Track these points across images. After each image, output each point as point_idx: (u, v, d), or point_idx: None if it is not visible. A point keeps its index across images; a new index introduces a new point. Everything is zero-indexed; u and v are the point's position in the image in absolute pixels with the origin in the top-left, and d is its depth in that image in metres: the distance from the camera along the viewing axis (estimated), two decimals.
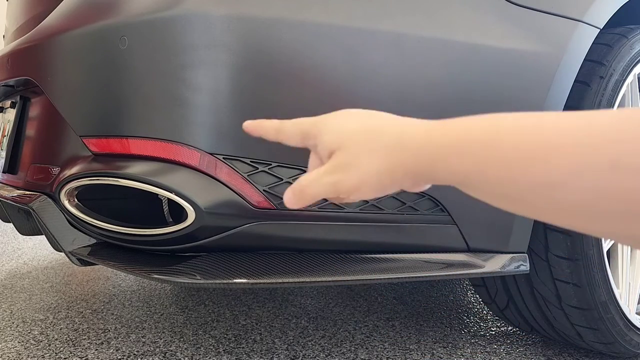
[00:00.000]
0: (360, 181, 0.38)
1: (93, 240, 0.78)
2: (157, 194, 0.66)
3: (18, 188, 0.88)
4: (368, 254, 0.77)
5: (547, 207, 0.31)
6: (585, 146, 0.28)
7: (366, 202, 0.73)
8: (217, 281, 0.67)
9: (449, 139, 0.35)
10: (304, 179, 0.40)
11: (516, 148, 0.31)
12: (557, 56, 0.82)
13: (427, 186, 0.40)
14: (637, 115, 0.28)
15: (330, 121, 0.41)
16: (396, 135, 0.37)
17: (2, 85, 0.96)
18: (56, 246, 0.80)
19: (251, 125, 0.46)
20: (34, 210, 0.77)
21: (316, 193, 0.39)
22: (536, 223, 0.87)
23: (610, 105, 0.91)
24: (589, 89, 0.89)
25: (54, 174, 0.77)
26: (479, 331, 1.11)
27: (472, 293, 1.45)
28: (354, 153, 0.38)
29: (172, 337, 1.04)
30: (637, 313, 0.99)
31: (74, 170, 0.72)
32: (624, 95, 0.99)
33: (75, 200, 0.74)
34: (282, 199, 0.68)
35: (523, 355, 0.99)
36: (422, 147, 0.36)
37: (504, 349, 1.02)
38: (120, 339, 1.02)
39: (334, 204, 0.72)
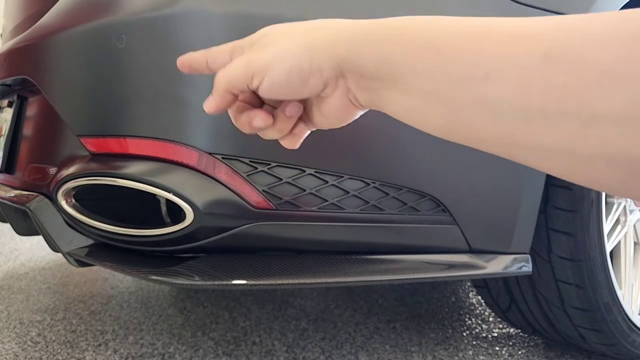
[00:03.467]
0: (274, 57, 0.34)
1: (91, 241, 0.77)
2: (155, 194, 0.66)
3: (15, 188, 0.87)
4: (368, 254, 0.77)
5: (472, 106, 0.29)
6: (519, 36, 0.27)
7: (367, 202, 0.73)
8: (216, 282, 0.66)
9: (378, 24, 0.34)
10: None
11: (447, 34, 0.30)
12: None
13: (360, 112, 0.37)
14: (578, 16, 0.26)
15: (267, 30, 0.37)
16: (319, 23, 0.35)
17: (0, 85, 0.95)
18: (53, 247, 0.79)
19: (181, 61, 0.42)
20: (31, 211, 0.76)
21: (229, 77, 0.36)
22: (539, 223, 0.87)
23: None
24: None
25: (51, 174, 0.76)
26: (481, 333, 1.10)
27: (474, 294, 1.44)
28: (275, 35, 0.35)
29: (170, 338, 1.03)
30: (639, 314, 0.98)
31: (72, 170, 0.71)
32: None
33: (73, 200, 0.73)
34: (281, 198, 0.68)
35: (525, 357, 0.98)
36: (347, 29, 0.34)
37: (506, 351, 1.01)
38: (118, 340, 1.01)
39: (334, 204, 0.71)
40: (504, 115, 0.27)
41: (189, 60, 0.41)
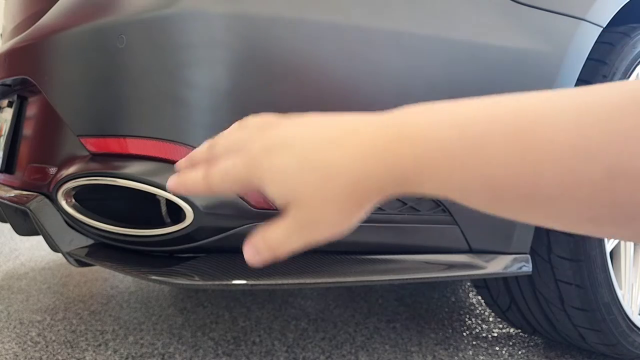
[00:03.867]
0: (332, 232, 0.33)
1: (91, 241, 0.77)
2: (155, 194, 0.66)
3: (15, 188, 0.87)
4: (368, 254, 0.76)
5: (539, 217, 0.28)
6: (579, 153, 0.25)
7: None
8: (216, 282, 0.66)
9: (420, 158, 0.30)
10: (271, 237, 0.33)
11: (505, 155, 0.27)
12: (560, 55, 0.82)
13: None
14: (629, 103, 0.25)
15: (267, 166, 0.32)
16: (356, 169, 0.31)
17: (0, 85, 0.95)
18: (53, 247, 0.79)
19: (175, 185, 0.37)
20: (31, 211, 0.76)
21: (291, 252, 0.34)
22: None
23: None
24: None
25: (51, 174, 0.76)
26: (481, 333, 1.10)
27: (474, 294, 1.44)
28: (312, 207, 0.32)
29: (170, 338, 1.03)
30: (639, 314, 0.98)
31: (72, 170, 0.71)
32: None
33: (73, 200, 0.73)
34: None
35: (525, 357, 0.98)
36: (390, 172, 0.30)
37: (506, 351, 1.01)
38: (118, 340, 1.01)
39: None
40: (576, 222, 0.28)
41: (182, 186, 0.37)
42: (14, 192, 0.86)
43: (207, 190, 0.35)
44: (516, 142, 0.27)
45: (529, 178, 0.27)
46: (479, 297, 1.39)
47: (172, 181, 0.37)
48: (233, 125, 0.38)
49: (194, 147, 0.65)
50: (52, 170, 0.76)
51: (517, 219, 0.29)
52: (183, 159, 0.40)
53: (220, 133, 0.37)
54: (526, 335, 1.10)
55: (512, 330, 1.13)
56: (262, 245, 0.34)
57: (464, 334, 1.09)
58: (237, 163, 0.34)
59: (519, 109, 0.28)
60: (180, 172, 0.37)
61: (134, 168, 0.67)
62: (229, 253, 0.71)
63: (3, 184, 0.93)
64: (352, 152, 0.31)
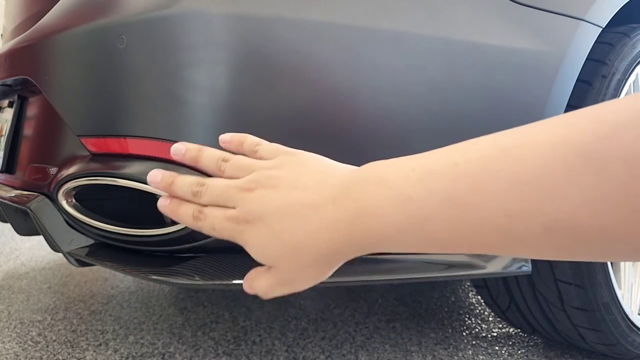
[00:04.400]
0: (306, 286, 0.41)
1: (91, 241, 0.77)
2: (156, 194, 0.66)
3: (15, 188, 0.88)
4: (368, 254, 0.77)
5: (492, 252, 0.33)
6: (515, 215, 0.29)
7: None
8: (216, 282, 0.66)
9: (376, 234, 0.36)
10: (258, 286, 0.41)
11: (448, 236, 0.33)
12: (559, 55, 0.82)
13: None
14: (559, 163, 0.27)
15: (247, 237, 0.40)
16: (321, 245, 0.37)
17: (0, 85, 0.95)
18: (54, 247, 0.79)
19: (165, 207, 0.44)
20: (31, 211, 0.77)
21: (269, 295, 0.41)
22: None
23: None
24: (591, 88, 0.88)
25: (52, 174, 0.76)
26: (481, 333, 1.10)
27: (473, 294, 1.44)
28: (289, 273, 0.39)
29: (170, 338, 1.03)
30: (639, 314, 0.98)
31: (72, 170, 0.71)
32: (626, 94, 0.98)
33: (73, 200, 0.73)
34: None
35: (525, 357, 0.98)
36: (350, 245, 0.37)
37: (505, 351, 1.01)
38: (118, 340, 1.01)
39: None
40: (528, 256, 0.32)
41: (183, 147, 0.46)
42: (14, 192, 0.86)
43: (196, 228, 0.42)
44: (454, 212, 0.31)
45: (470, 239, 0.31)
46: (479, 297, 1.39)
47: (163, 203, 0.44)
48: (219, 166, 0.44)
49: None
50: (53, 170, 0.76)
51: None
52: (167, 175, 0.44)
53: (207, 180, 0.43)
54: (526, 335, 1.10)
55: (511, 329, 1.13)
56: (250, 290, 0.42)
57: (464, 333, 1.10)
58: (223, 222, 0.41)
59: (457, 177, 0.32)
60: (172, 201, 0.44)
61: (135, 168, 0.67)
62: (229, 253, 0.71)
63: (3, 184, 0.93)
64: (316, 228, 0.37)
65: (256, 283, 0.41)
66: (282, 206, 0.39)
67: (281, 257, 0.39)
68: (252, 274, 0.42)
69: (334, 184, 0.39)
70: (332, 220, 0.37)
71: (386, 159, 0.76)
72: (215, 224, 0.41)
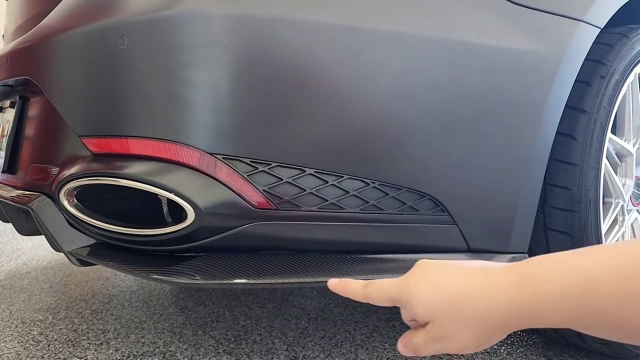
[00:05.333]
0: (461, 348, 0.42)
1: (92, 241, 0.77)
2: (157, 194, 0.66)
3: (17, 188, 0.88)
4: (368, 254, 0.77)
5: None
6: None
7: (366, 202, 0.73)
8: (217, 281, 0.67)
9: (539, 296, 0.37)
10: (414, 342, 0.44)
11: (610, 298, 0.34)
12: (558, 56, 0.82)
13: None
14: None
15: (416, 292, 0.43)
16: (481, 303, 0.40)
17: (2, 85, 0.96)
18: (55, 246, 0.79)
19: (336, 285, 0.49)
20: (33, 211, 0.77)
21: (425, 353, 0.44)
22: (537, 223, 0.87)
23: (611, 105, 0.90)
24: (590, 89, 0.89)
25: (53, 174, 0.77)
26: None
27: None
28: (446, 328, 0.42)
29: (171, 337, 1.04)
30: None
31: (73, 170, 0.72)
32: (624, 95, 0.99)
33: (75, 200, 0.74)
34: (282, 198, 0.68)
35: (524, 356, 0.99)
36: (511, 310, 0.39)
37: (504, 349, 1.01)
38: (119, 339, 1.02)
39: (334, 203, 0.72)
40: None
41: (343, 289, 0.49)
42: (16, 192, 0.86)
43: (363, 297, 0.47)
44: (614, 287, 0.34)
45: (632, 313, 0.34)
46: None
47: (333, 281, 0.49)
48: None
49: (196, 148, 0.65)
50: (54, 170, 0.77)
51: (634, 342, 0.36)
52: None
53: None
54: (524, 334, 1.11)
55: None
56: (408, 344, 0.45)
57: None
58: (392, 282, 0.45)
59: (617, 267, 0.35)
60: (342, 279, 0.49)
61: (136, 168, 0.67)
62: (230, 252, 0.72)
63: (5, 184, 0.94)
64: (478, 289, 0.40)
65: (412, 340, 0.44)
66: (450, 265, 0.43)
67: (442, 313, 0.41)
68: (408, 333, 0.45)
69: (500, 265, 0.43)
70: (498, 281, 0.40)
71: (385, 158, 0.77)
72: (384, 285, 0.46)
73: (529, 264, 0.40)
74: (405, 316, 0.47)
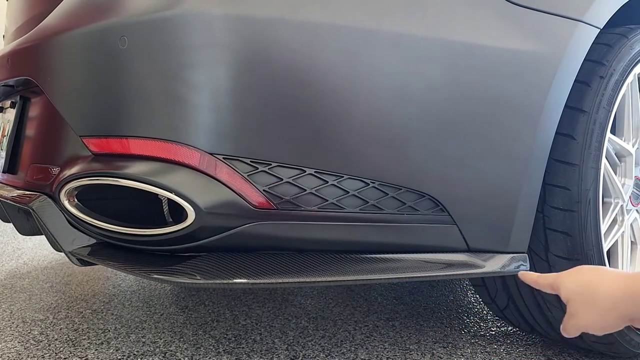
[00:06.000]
0: (586, 324, 0.55)
1: (93, 240, 0.78)
2: (157, 194, 0.66)
3: (18, 188, 0.88)
4: (368, 254, 0.77)
5: None
6: None
7: (366, 202, 0.73)
8: (217, 281, 0.67)
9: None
10: (563, 322, 0.59)
11: None
12: (557, 56, 0.82)
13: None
14: None
15: (565, 279, 0.59)
16: (603, 288, 0.54)
17: (2, 85, 0.96)
18: (56, 246, 0.80)
19: (521, 276, 0.66)
20: (33, 210, 0.77)
21: (570, 332, 0.58)
22: (536, 223, 0.87)
23: (610, 105, 0.91)
24: (589, 89, 0.89)
25: (54, 174, 0.77)
26: (479, 331, 1.11)
27: (472, 293, 1.45)
28: (577, 306, 0.56)
29: (172, 337, 1.04)
30: None
31: (74, 170, 0.72)
32: (624, 95, 0.99)
33: (75, 200, 0.74)
34: (282, 198, 0.69)
35: (523, 356, 0.99)
36: (621, 295, 0.52)
37: (504, 349, 1.02)
38: (120, 339, 1.02)
39: (334, 203, 0.72)
40: None
41: (529, 280, 0.65)
42: (16, 192, 0.87)
43: (534, 281, 0.64)
44: None
45: None
46: (477, 296, 1.40)
47: (522, 273, 0.67)
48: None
49: (196, 148, 0.66)
50: (55, 170, 0.77)
51: None
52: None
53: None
54: (524, 334, 1.11)
55: (510, 328, 1.14)
56: (561, 330, 0.60)
57: (462, 332, 1.10)
58: (554, 274, 0.62)
59: None
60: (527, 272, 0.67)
61: (136, 168, 0.67)
62: (230, 252, 0.72)
63: (6, 184, 0.94)
64: (606, 280, 0.55)
65: (564, 318, 0.59)
66: (597, 266, 0.60)
67: (575, 290, 0.56)
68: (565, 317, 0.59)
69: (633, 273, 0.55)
70: (623, 277, 0.54)
71: (385, 159, 0.78)
72: (548, 275, 0.62)
73: None
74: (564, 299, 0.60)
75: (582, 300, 0.56)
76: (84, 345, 0.99)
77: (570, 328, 0.57)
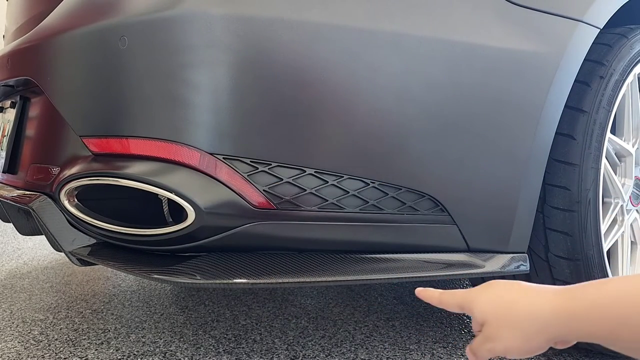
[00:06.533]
0: (506, 349, 0.48)
1: (93, 240, 0.78)
2: (157, 194, 0.66)
3: (18, 188, 0.88)
4: (368, 254, 0.77)
5: None
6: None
7: (366, 202, 0.74)
8: (217, 281, 0.67)
9: (575, 307, 0.44)
10: (473, 344, 0.52)
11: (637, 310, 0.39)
12: (557, 56, 0.82)
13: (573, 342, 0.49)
14: None
15: (476, 298, 0.51)
16: (526, 309, 0.47)
17: (2, 85, 0.96)
18: (56, 246, 0.80)
19: (419, 292, 0.57)
20: (33, 210, 0.77)
21: (482, 356, 0.51)
22: (536, 223, 0.87)
23: (610, 105, 0.91)
24: (589, 89, 0.89)
25: (54, 174, 0.77)
26: None
27: None
28: (496, 329, 0.49)
29: (172, 337, 1.04)
30: None
31: (74, 170, 0.72)
32: (624, 95, 0.99)
33: (75, 200, 0.74)
34: (282, 198, 0.69)
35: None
36: (549, 317, 0.45)
37: None
38: (120, 339, 1.02)
39: (334, 203, 0.72)
40: None
41: (424, 294, 0.57)
42: (17, 192, 0.87)
43: (437, 299, 0.55)
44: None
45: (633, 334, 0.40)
46: None
47: (418, 290, 0.57)
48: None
49: (196, 148, 0.66)
50: (55, 170, 0.77)
51: None
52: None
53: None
54: None
55: None
56: (467, 351, 0.53)
57: (462, 332, 1.10)
58: (461, 291, 0.54)
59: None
60: (424, 289, 0.58)
61: (136, 168, 0.67)
62: (230, 252, 0.72)
63: (6, 184, 0.94)
64: (527, 298, 0.48)
65: (472, 343, 0.52)
66: (512, 282, 0.51)
67: (493, 311, 0.49)
68: (474, 340, 0.53)
69: (550, 290, 0.48)
70: (546, 294, 0.47)
71: (385, 158, 0.78)
72: (454, 292, 0.54)
73: (576, 285, 0.46)
74: (474, 325, 0.53)
75: (503, 323, 0.48)
76: (84, 345, 0.99)
77: (483, 352, 0.50)
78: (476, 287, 0.53)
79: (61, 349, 0.97)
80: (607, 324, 0.41)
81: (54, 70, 0.76)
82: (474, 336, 0.53)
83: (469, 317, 1.21)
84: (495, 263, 0.82)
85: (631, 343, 0.40)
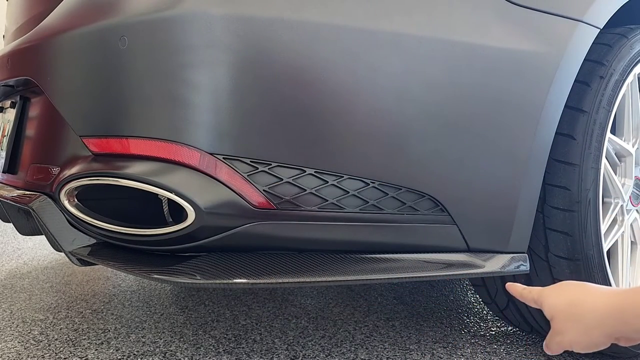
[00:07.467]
0: (570, 342, 0.54)
1: (93, 240, 0.78)
2: (157, 194, 0.66)
3: (18, 188, 0.88)
4: (368, 254, 0.77)
5: None
6: None
7: (366, 202, 0.74)
8: (217, 281, 0.67)
9: (630, 304, 0.50)
10: (546, 339, 0.58)
11: None
12: (557, 56, 0.82)
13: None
14: None
15: (548, 294, 0.58)
16: (589, 305, 0.53)
17: (2, 85, 0.96)
18: (56, 246, 0.80)
19: (509, 286, 0.65)
20: (33, 210, 0.77)
21: (553, 349, 0.57)
22: (536, 223, 0.87)
23: (610, 105, 0.91)
24: (589, 89, 0.89)
25: (54, 174, 0.77)
26: (479, 331, 1.11)
27: (472, 293, 1.45)
28: (562, 323, 0.55)
29: (172, 337, 1.04)
30: None
31: (74, 170, 0.72)
32: (624, 95, 0.99)
33: (75, 200, 0.74)
34: (282, 198, 0.69)
35: (523, 355, 0.99)
36: (607, 312, 0.51)
37: (504, 349, 1.02)
38: (120, 339, 1.02)
39: (334, 203, 0.72)
40: None
41: (513, 290, 0.64)
42: (17, 192, 0.87)
43: (519, 293, 0.63)
44: None
45: None
46: (477, 296, 1.40)
47: (508, 284, 0.66)
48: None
49: (196, 148, 0.66)
50: (55, 170, 0.77)
51: None
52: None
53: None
54: (524, 334, 1.11)
55: (510, 328, 1.14)
56: (544, 347, 0.59)
57: (462, 332, 1.10)
58: (538, 288, 0.61)
59: None
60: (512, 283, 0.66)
61: (136, 168, 0.67)
62: (230, 252, 0.72)
63: (6, 184, 0.94)
64: (591, 296, 0.54)
65: (546, 338, 0.58)
66: (581, 283, 0.58)
67: (559, 306, 0.56)
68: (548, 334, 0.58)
69: (615, 293, 0.54)
70: (609, 293, 0.53)
71: (385, 159, 0.78)
72: (533, 289, 0.61)
73: (636, 286, 0.55)
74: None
75: (567, 317, 0.55)
76: (84, 345, 0.99)
77: (554, 345, 0.56)
78: (549, 286, 0.60)
79: (61, 349, 0.97)
80: None
81: (54, 70, 0.76)
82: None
83: (469, 317, 1.21)
84: (495, 263, 0.82)
85: None
